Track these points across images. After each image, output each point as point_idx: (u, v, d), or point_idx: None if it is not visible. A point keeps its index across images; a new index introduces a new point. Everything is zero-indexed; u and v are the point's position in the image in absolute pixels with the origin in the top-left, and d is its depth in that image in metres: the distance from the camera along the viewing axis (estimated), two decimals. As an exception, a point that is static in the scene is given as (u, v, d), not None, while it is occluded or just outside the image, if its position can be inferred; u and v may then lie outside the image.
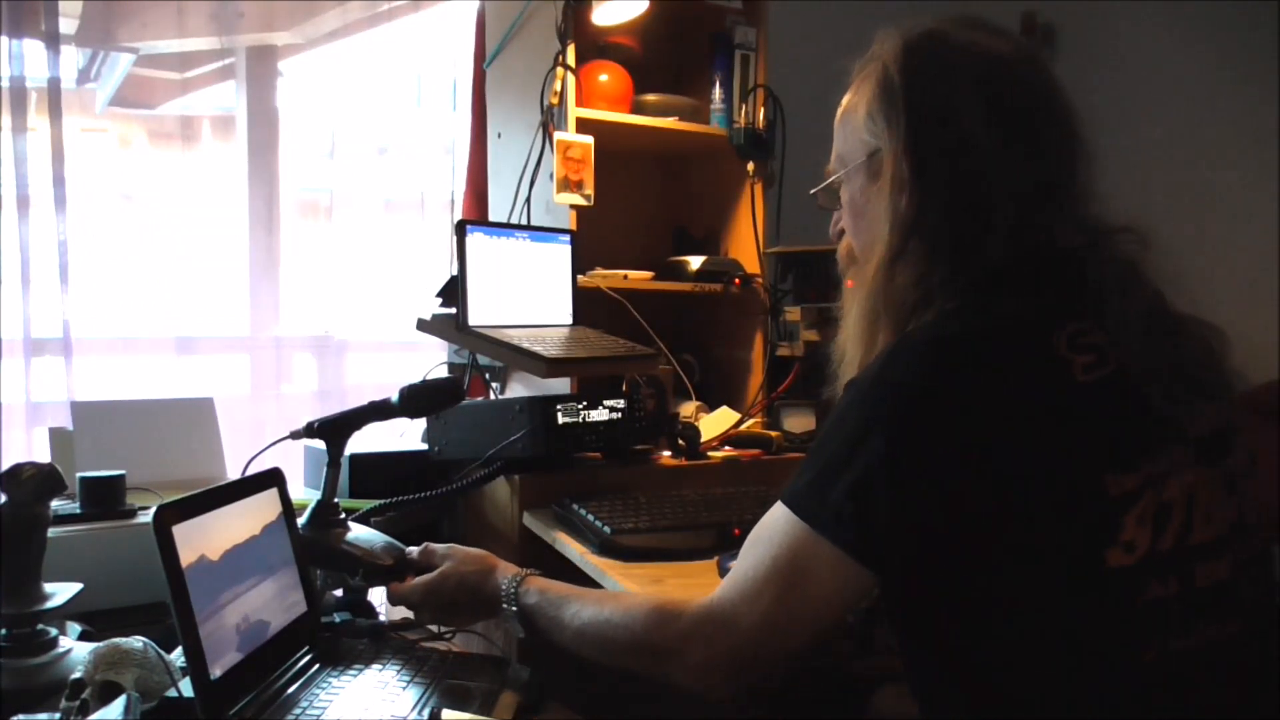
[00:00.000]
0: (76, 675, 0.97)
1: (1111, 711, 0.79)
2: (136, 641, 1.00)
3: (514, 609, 1.08)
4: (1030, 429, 0.81)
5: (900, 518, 0.82)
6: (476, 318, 1.57)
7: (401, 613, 1.24)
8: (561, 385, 1.66)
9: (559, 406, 1.50)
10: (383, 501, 1.47)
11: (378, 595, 1.36)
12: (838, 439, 0.86)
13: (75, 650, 1.10)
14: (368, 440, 1.52)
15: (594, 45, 1.94)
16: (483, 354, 1.72)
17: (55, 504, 1.26)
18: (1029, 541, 0.80)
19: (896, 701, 1.24)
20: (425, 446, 1.69)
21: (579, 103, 1.78)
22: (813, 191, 1.08)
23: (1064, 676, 0.79)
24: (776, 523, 0.88)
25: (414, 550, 1.21)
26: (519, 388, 1.80)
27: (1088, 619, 0.79)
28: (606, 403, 1.57)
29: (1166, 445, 0.82)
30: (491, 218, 2.03)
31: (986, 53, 0.92)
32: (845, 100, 1.01)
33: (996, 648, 0.83)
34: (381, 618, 1.30)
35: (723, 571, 1.20)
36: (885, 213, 0.93)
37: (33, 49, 1.92)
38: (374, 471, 1.63)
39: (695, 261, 1.94)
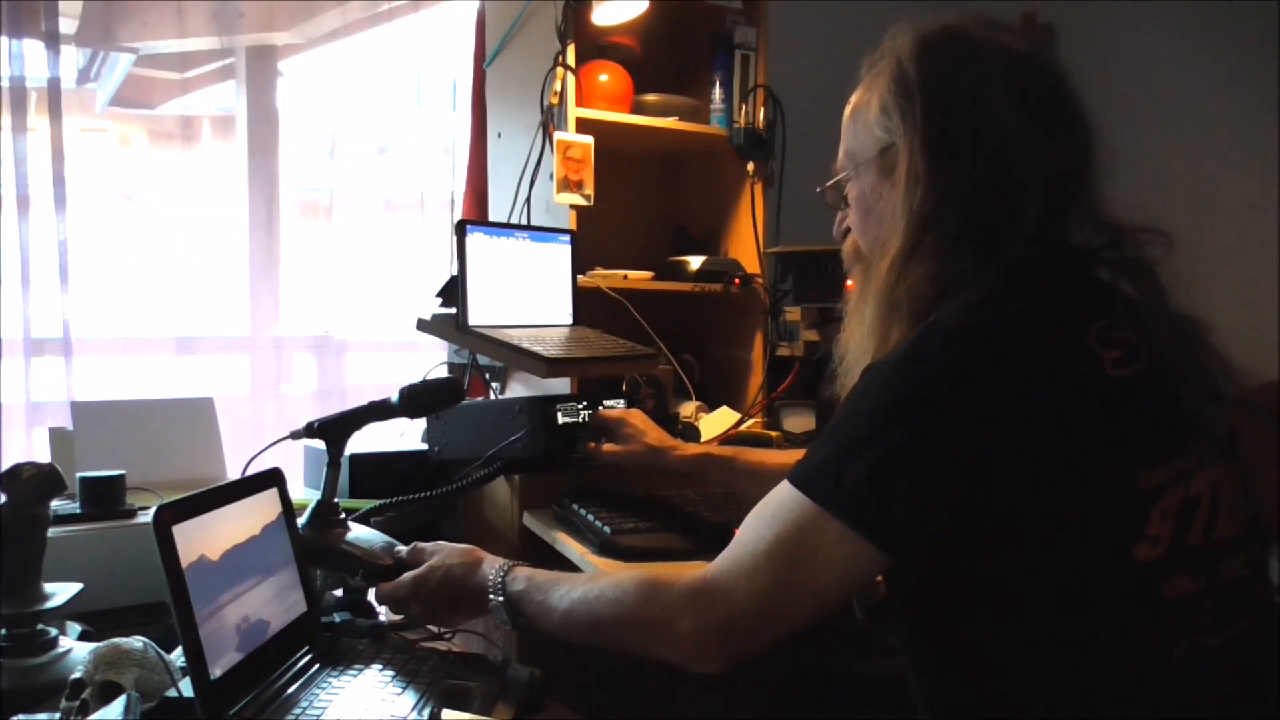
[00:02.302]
0: (76, 675, 0.97)
1: (1134, 710, 0.78)
2: (136, 641, 1.00)
3: (501, 598, 1.07)
4: (1061, 420, 0.81)
5: (923, 503, 0.81)
6: (476, 318, 1.57)
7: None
8: (561, 385, 1.66)
9: (559, 406, 1.50)
10: (383, 501, 1.47)
11: (378, 595, 1.36)
12: (855, 422, 0.85)
13: (75, 650, 1.10)
14: (368, 440, 1.52)
15: (594, 45, 1.94)
16: (483, 354, 1.72)
17: (55, 504, 1.26)
18: (1056, 533, 0.80)
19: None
20: (425, 446, 1.69)
21: (579, 103, 1.78)
22: (819, 189, 1.07)
23: (1086, 673, 0.79)
24: (782, 501, 0.87)
25: (403, 549, 1.21)
26: (519, 388, 1.80)
27: (1113, 614, 0.79)
28: (606, 403, 1.57)
29: (1194, 442, 0.83)
30: (491, 218, 2.03)
31: (1003, 46, 0.92)
32: (855, 97, 1.00)
33: (1016, 641, 0.82)
34: (381, 618, 1.30)
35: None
36: (900, 207, 0.92)
37: (33, 49, 1.92)
38: (374, 471, 1.63)
39: (695, 261, 1.94)
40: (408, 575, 1.16)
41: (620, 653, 0.98)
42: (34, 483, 1.08)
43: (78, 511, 1.40)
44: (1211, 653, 0.79)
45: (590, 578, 1.05)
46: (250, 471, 1.12)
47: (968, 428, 0.80)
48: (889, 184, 0.94)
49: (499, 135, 2.00)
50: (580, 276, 1.76)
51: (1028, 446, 0.80)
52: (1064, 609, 0.80)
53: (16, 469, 1.08)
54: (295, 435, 1.27)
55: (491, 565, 1.11)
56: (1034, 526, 0.80)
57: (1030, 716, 0.81)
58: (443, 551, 1.17)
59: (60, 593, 1.11)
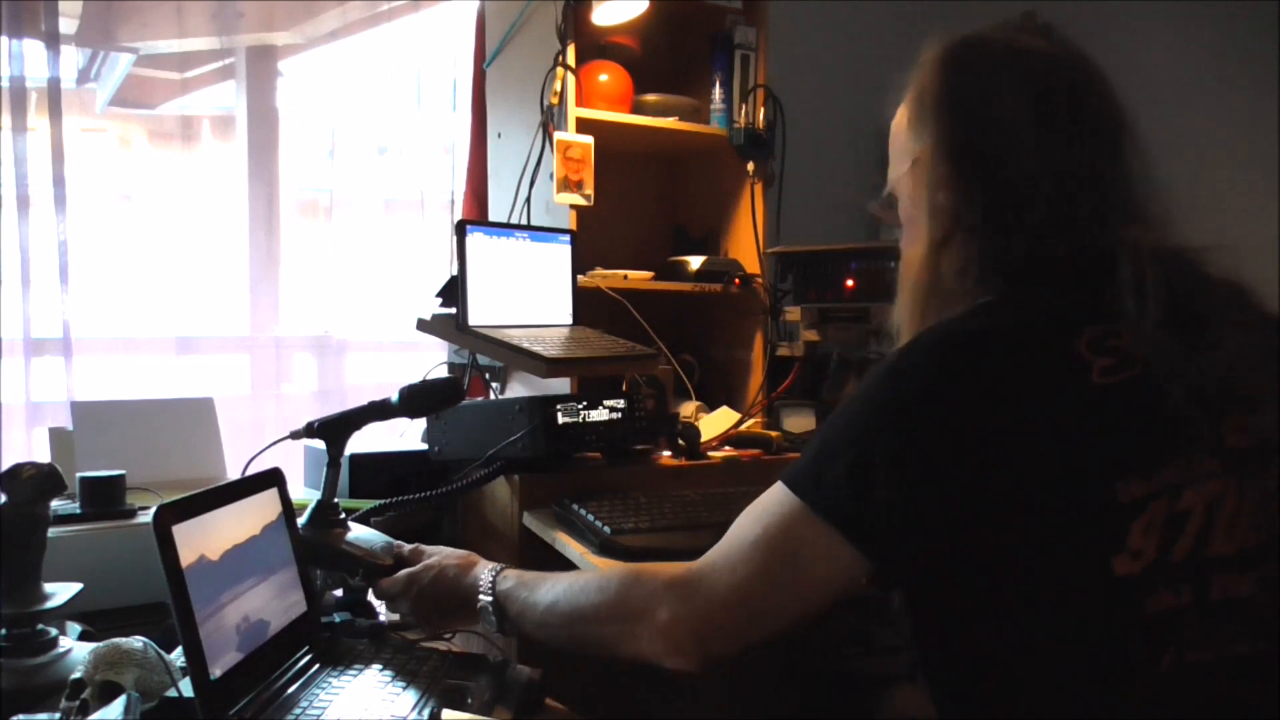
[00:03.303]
0: (76, 675, 0.97)
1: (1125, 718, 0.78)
2: (136, 641, 1.00)
3: (490, 598, 1.07)
4: (1040, 429, 0.80)
5: (900, 507, 0.81)
6: (476, 318, 1.57)
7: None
8: (561, 385, 1.66)
9: (559, 406, 1.50)
10: (383, 501, 1.47)
11: (378, 595, 1.36)
12: (843, 422, 0.86)
13: (75, 650, 1.10)
14: (368, 440, 1.52)
15: (594, 45, 1.94)
16: (483, 354, 1.72)
17: (55, 504, 1.26)
18: (1035, 543, 0.79)
19: (911, 701, 1.24)
20: (425, 446, 1.69)
21: (579, 103, 1.78)
22: (872, 207, 1.09)
23: (1073, 683, 0.78)
24: (772, 498, 0.88)
25: (406, 548, 1.22)
26: (519, 388, 1.80)
27: (1095, 625, 0.78)
28: (606, 403, 1.57)
29: (1189, 453, 0.80)
30: (491, 218, 2.03)
31: (1021, 48, 0.93)
32: (896, 116, 1.02)
33: (1005, 649, 0.82)
34: (381, 618, 1.30)
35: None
36: (925, 209, 0.94)
37: (33, 49, 1.91)
38: (374, 471, 1.63)
39: (695, 261, 1.94)
40: (404, 572, 1.18)
41: (598, 650, 0.98)
42: (34, 483, 1.08)
43: (78, 511, 1.40)
44: (1200, 666, 0.77)
45: (578, 573, 1.05)
46: (250, 471, 1.12)
47: (946, 436, 0.81)
48: (921, 191, 0.96)
49: (499, 135, 2.00)
50: (580, 276, 1.76)
51: (1006, 456, 0.79)
52: (1048, 620, 0.79)
53: (16, 469, 1.08)
54: (295, 435, 1.27)
55: (485, 567, 1.12)
56: (1014, 537, 0.79)
57: (1019, 713, 0.81)
58: (441, 554, 1.19)
59: (60, 593, 1.11)
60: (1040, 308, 0.85)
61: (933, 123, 0.93)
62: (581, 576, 1.02)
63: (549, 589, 1.03)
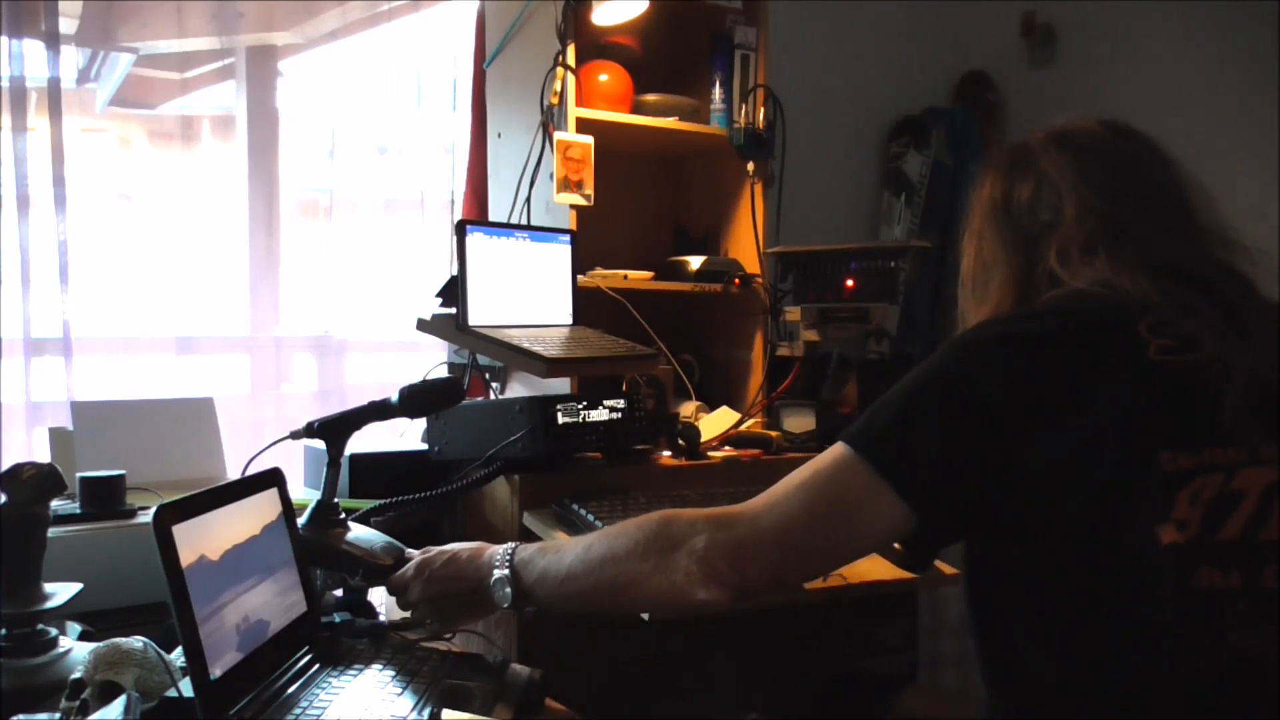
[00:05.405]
0: (76, 675, 0.97)
1: (1165, 697, 0.78)
2: (136, 641, 1.00)
3: (505, 571, 1.06)
4: (1086, 394, 0.82)
5: (944, 458, 0.84)
6: (476, 318, 1.57)
7: (402, 613, 1.24)
8: (561, 385, 1.66)
9: (559, 406, 1.50)
10: (383, 501, 1.47)
11: (378, 595, 1.36)
12: (904, 381, 0.90)
13: (75, 650, 1.10)
14: (368, 440, 1.52)
15: (594, 45, 1.94)
16: (483, 354, 1.72)
17: (55, 504, 1.27)
18: (1079, 507, 0.80)
19: (918, 701, 1.24)
20: (425, 446, 1.69)
21: (579, 103, 1.78)
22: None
23: (1118, 653, 0.79)
24: (828, 450, 0.91)
25: (414, 554, 1.21)
26: (519, 388, 1.80)
27: (1142, 595, 0.79)
28: (606, 403, 1.57)
29: (1251, 439, 0.81)
30: (491, 218, 2.03)
31: (1052, 124, 1.03)
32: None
33: (1052, 620, 0.83)
34: (381, 618, 1.30)
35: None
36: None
37: (33, 49, 1.91)
38: (374, 471, 1.63)
39: (695, 261, 1.94)
40: (415, 560, 1.17)
41: (626, 596, 0.98)
42: (34, 483, 1.08)
43: (78, 511, 1.40)
44: (1247, 654, 0.77)
45: (612, 525, 1.06)
46: (250, 471, 1.12)
47: (993, 394, 0.84)
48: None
49: (499, 135, 2.00)
50: (580, 276, 1.76)
51: (1049, 417, 0.82)
52: (1096, 587, 0.80)
53: (16, 469, 1.08)
54: (295, 435, 1.27)
55: (499, 547, 1.12)
56: (1059, 500, 0.81)
57: (1062, 687, 0.82)
58: (454, 544, 1.18)
59: (60, 593, 1.11)
60: (1108, 299, 0.89)
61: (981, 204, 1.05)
62: (616, 524, 1.03)
63: (579, 540, 1.04)
